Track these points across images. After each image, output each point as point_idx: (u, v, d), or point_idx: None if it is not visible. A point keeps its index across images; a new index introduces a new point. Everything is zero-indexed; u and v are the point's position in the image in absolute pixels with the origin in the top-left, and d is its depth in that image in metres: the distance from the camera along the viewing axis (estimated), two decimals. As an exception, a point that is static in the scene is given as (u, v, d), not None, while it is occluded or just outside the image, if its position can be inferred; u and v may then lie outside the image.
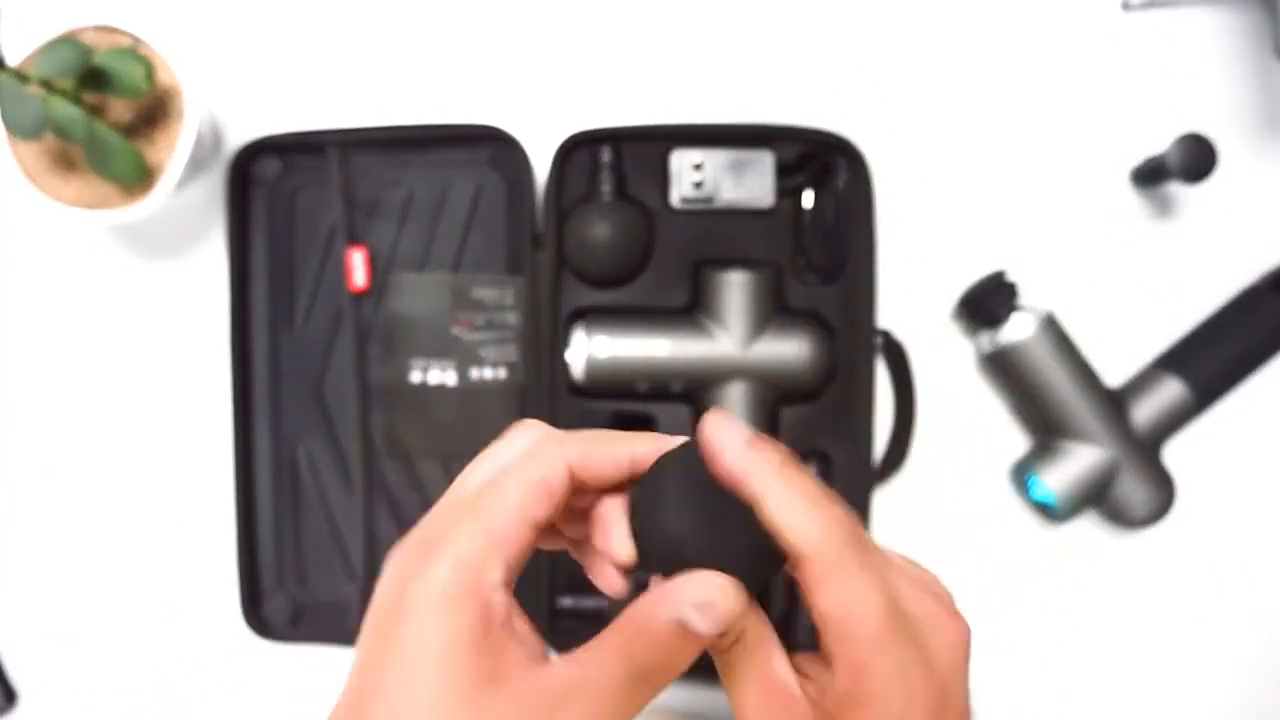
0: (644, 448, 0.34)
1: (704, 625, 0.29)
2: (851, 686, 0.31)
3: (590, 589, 0.74)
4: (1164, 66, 0.76)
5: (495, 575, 0.29)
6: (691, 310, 0.72)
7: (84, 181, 0.67)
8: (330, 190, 0.74)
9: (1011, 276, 0.72)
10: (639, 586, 0.33)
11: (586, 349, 0.70)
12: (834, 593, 0.30)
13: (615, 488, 0.34)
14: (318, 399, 0.76)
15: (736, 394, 0.70)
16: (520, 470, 0.31)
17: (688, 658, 0.30)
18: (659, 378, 0.70)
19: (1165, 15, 0.76)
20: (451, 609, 0.28)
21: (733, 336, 0.69)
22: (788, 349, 0.69)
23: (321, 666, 0.76)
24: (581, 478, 0.33)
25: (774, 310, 0.71)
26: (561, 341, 0.72)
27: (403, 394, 0.75)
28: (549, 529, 0.33)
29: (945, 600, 0.35)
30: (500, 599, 0.29)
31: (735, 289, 0.70)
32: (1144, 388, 0.73)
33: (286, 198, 0.75)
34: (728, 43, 0.76)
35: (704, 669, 0.34)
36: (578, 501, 0.34)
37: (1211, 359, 0.73)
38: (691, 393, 0.71)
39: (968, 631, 0.34)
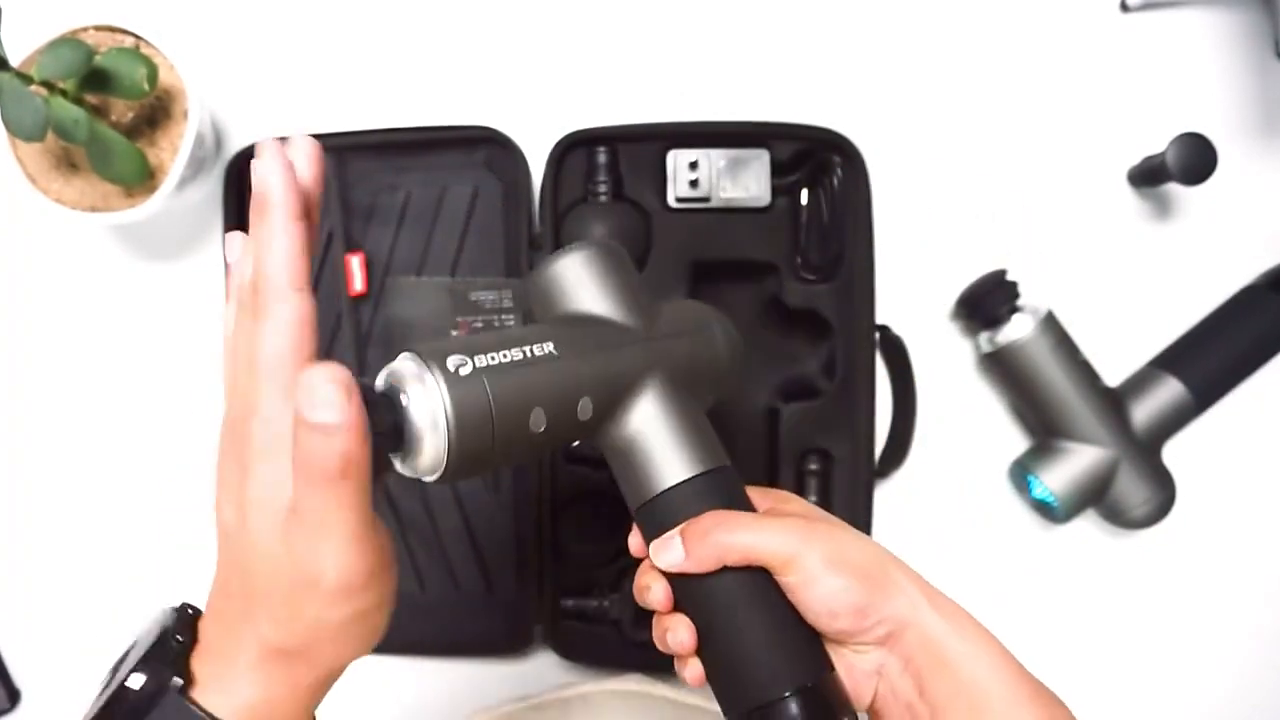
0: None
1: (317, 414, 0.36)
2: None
3: (592, 591, 0.75)
4: (1163, 67, 0.76)
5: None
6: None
7: (85, 182, 0.68)
8: (327, 196, 0.74)
9: (1011, 276, 0.72)
10: None
11: (437, 403, 0.40)
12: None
13: None
14: (317, 400, 0.76)
15: (652, 402, 0.46)
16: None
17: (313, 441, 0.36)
18: (558, 407, 0.44)
19: (1164, 16, 0.76)
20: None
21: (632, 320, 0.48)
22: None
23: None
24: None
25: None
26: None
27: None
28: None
29: None
30: None
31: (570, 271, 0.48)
32: (1143, 387, 0.73)
33: (286, 201, 0.76)
34: (722, 41, 0.76)
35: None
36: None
37: (1210, 359, 0.73)
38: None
39: None
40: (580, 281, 0.48)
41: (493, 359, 0.42)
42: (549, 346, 0.43)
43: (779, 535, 0.43)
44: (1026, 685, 0.44)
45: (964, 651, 0.43)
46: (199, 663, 0.39)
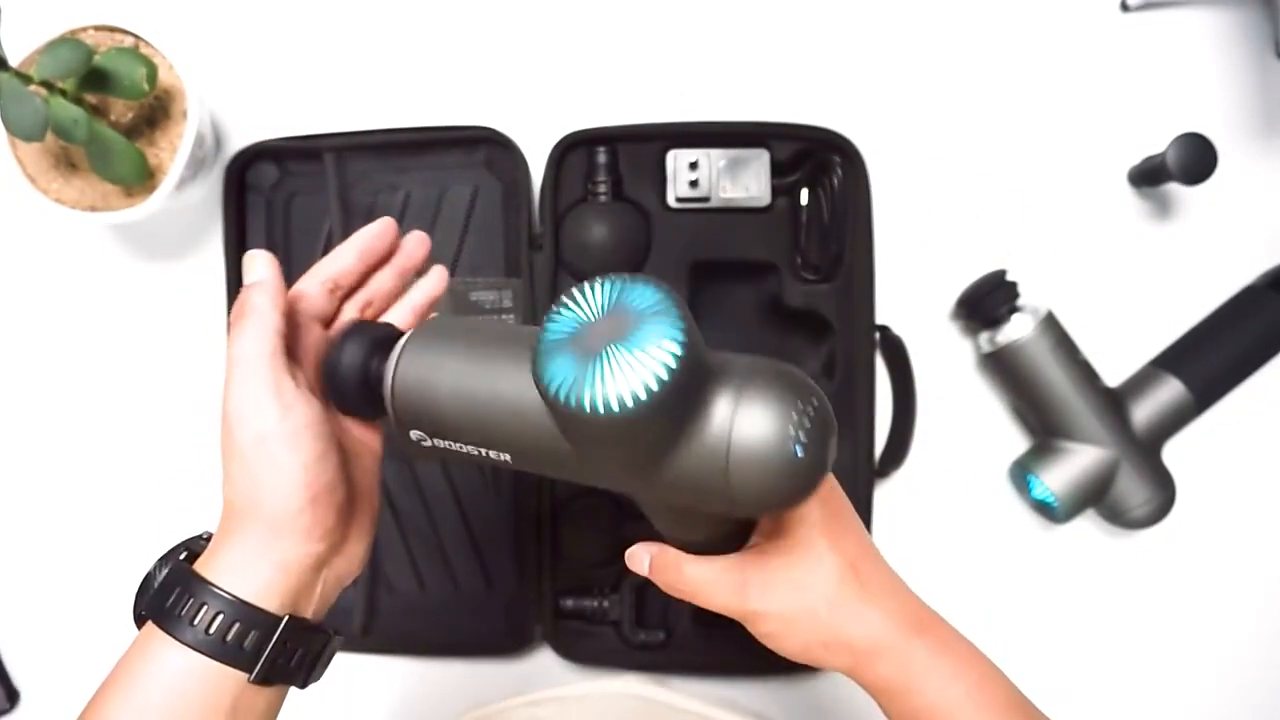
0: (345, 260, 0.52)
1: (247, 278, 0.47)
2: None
3: (592, 591, 0.74)
4: (1163, 67, 0.76)
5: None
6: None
7: (85, 182, 0.68)
8: (327, 196, 0.74)
9: (1011, 276, 0.72)
10: None
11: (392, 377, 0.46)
12: None
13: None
14: (317, 399, 0.76)
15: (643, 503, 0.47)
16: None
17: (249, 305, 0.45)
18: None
19: (1164, 15, 0.76)
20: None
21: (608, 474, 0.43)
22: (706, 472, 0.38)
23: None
24: (357, 270, 0.52)
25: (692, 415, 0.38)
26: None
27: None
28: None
29: None
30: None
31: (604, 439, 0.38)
32: (1143, 387, 0.73)
33: (283, 204, 0.76)
34: (722, 41, 0.76)
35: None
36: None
37: (1210, 359, 0.73)
38: None
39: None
40: (597, 438, 0.39)
41: (451, 447, 0.45)
42: (505, 456, 0.44)
43: (722, 599, 0.48)
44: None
45: (910, 696, 0.47)
46: (206, 550, 0.45)
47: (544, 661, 0.76)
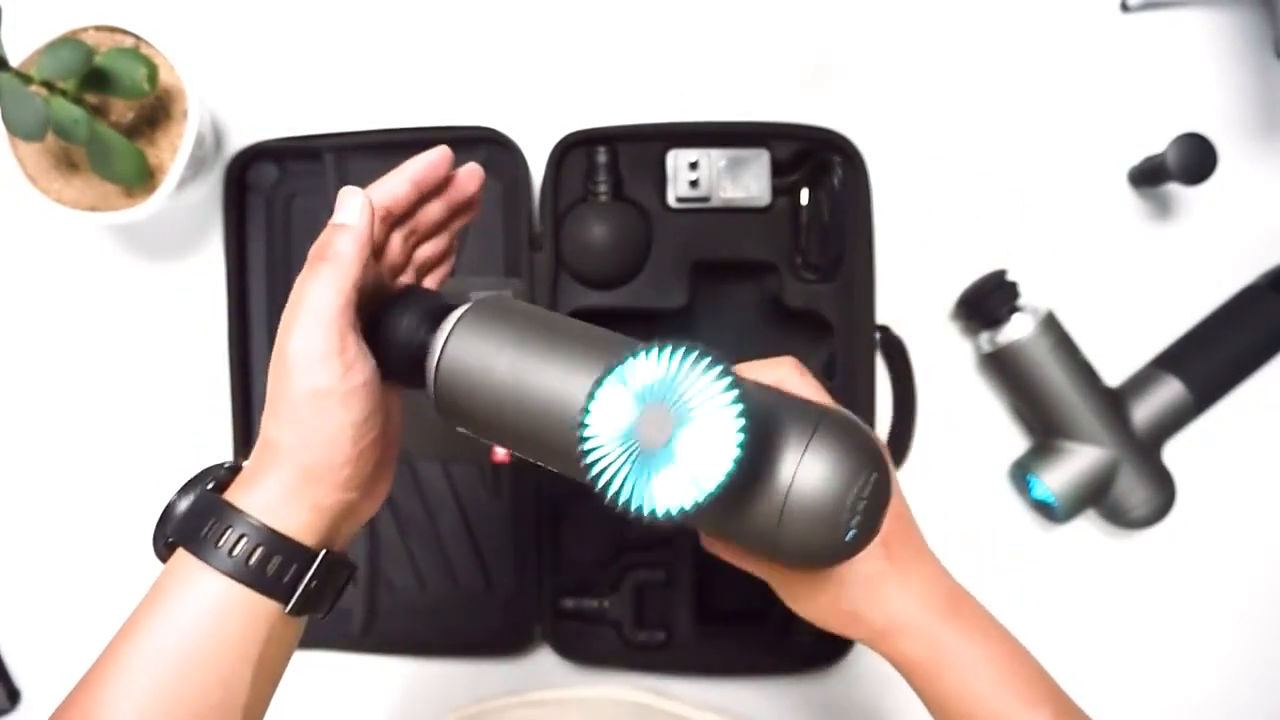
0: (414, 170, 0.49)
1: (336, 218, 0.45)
2: None
3: (592, 591, 0.74)
4: (1163, 67, 0.76)
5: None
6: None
7: (85, 182, 0.68)
8: (327, 196, 0.74)
9: (1011, 276, 0.72)
10: None
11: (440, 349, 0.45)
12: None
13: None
14: (317, 400, 0.76)
15: None
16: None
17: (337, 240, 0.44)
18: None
19: (1164, 16, 0.76)
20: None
21: None
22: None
23: (323, 670, 0.76)
24: (410, 200, 0.49)
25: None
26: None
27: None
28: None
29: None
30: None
31: None
32: (1144, 388, 0.73)
33: (283, 204, 0.76)
34: (722, 41, 0.76)
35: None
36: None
37: (1211, 359, 0.73)
38: None
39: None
40: None
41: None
42: (538, 464, 0.46)
43: (752, 561, 0.50)
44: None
45: (940, 678, 0.47)
46: (236, 481, 0.45)
47: (544, 661, 0.76)
